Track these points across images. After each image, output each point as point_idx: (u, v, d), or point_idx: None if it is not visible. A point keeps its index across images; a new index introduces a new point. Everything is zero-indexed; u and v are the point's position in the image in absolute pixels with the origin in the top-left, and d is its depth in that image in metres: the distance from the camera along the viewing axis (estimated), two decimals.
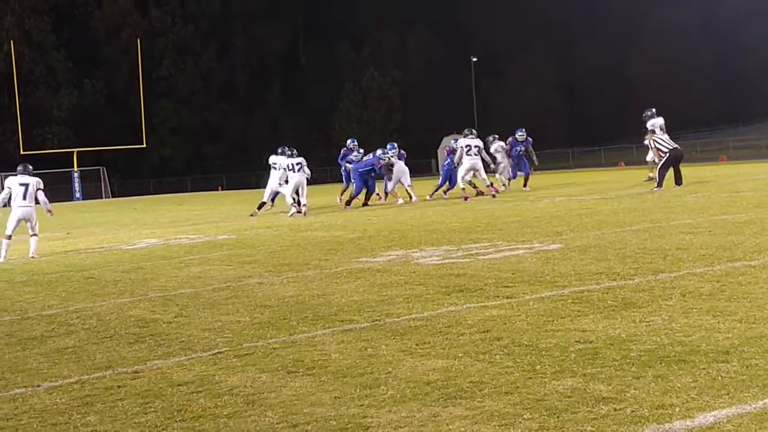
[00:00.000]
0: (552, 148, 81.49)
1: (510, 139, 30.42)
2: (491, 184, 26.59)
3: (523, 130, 30.33)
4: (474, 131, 27.07)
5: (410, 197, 27.84)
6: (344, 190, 29.02)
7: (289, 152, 25.61)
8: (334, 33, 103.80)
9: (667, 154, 23.73)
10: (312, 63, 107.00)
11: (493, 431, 4.46)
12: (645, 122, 26.57)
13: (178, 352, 7.01)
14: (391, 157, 27.33)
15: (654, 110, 26.99)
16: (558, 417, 4.57)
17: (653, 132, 24.91)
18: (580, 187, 27.19)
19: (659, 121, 26.24)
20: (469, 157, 25.90)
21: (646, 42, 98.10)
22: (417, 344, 6.50)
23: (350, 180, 27.80)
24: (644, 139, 26.65)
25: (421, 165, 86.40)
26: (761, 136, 69.19)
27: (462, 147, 26.35)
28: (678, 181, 23.94)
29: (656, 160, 24.45)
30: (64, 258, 16.45)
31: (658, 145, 24.21)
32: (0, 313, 9.97)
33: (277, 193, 26.37)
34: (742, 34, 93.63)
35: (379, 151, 27.41)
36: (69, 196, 72.23)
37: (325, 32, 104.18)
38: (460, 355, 6.06)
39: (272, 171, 26.08)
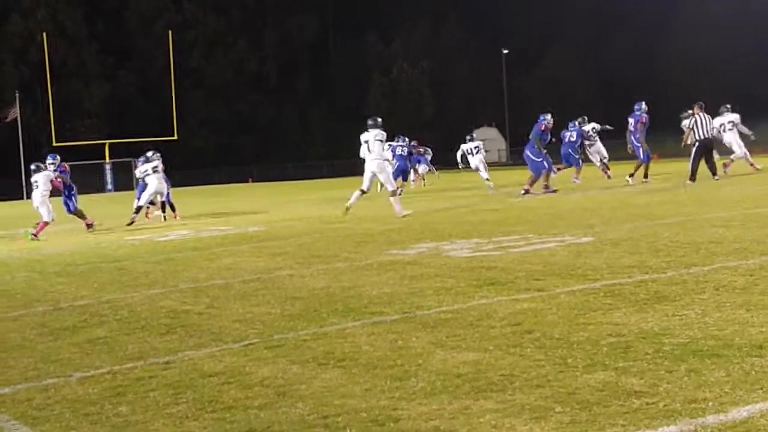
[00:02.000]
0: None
1: (640, 116, 26.01)
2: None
3: (642, 102, 26.42)
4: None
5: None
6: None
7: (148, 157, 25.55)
8: (363, 24, 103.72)
9: (696, 145, 23.28)
10: (342, 54, 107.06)
11: (524, 424, 4.44)
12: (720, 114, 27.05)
13: (209, 343, 7.03)
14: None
15: (729, 106, 27.30)
16: (590, 410, 4.55)
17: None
18: (612, 179, 27.04)
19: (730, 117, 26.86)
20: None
21: (681, 32, 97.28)
22: (447, 337, 6.49)
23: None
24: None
25: (452, 157, 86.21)
26: None
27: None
28: (713, 171, 23.58)
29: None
30: (96, 249, 16.56)
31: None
32: (33, 303, 10.05)
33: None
34: None
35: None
36: (101, 188, 72.70)
37: (354, 23, 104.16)
38: (490, 347, 6.05)
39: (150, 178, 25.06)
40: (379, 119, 19.78)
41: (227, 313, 8.30)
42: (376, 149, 19.10)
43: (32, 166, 22.58)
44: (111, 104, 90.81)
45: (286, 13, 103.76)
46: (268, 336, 7.07)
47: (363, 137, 19.49)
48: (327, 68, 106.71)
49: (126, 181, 75.27)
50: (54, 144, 70.79)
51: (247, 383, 5.67)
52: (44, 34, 75.10)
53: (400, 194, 30.25)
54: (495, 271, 9.40)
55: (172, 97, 74.56)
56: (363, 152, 19.48)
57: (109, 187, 73.92)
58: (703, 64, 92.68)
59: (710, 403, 4.50)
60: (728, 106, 27.34)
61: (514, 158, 49.90)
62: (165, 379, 5.95)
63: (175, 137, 74.61)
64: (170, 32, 77.27)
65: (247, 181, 78.75)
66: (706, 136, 23.37)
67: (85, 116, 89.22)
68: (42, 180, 21.75)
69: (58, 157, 23.74)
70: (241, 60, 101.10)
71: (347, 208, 19.42)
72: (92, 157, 74.92)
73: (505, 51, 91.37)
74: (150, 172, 24.88)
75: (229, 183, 78.02)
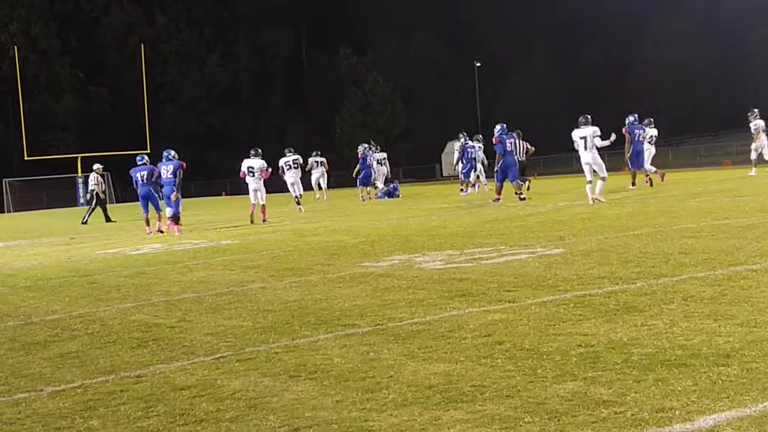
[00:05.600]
0: (555, 153, 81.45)
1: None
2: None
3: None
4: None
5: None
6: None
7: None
8: (336, 38, 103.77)
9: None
10: (315, 68, 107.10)
11: None
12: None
13: (180, 356, 7.03)
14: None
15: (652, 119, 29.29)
16: (559, 420, 4.59)
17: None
18: (583, 191, 27.14)
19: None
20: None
21: (649, 46, 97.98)
22: (419, 348, 6.52)
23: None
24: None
25: (426, 170, 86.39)
26: None
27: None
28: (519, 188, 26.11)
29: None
30: (68, 263, 16.48)
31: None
32: (4, 318, 10.00)
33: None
34: (745, 37, 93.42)
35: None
36: (73, 202, 72.37)
37: (327, 37, 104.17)
38: (461, 359, 6.08)
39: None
40: (589, 116, 21.88)
41: (199, 326, 8.29)
42: (593, 144, 21.33)
43: (252, 151, 26.75)
44: (84, 118, 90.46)
45: (259, 26, 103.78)
46: (239, 349, 7.08)
47: (577, 134, 21.59)
48: (301, 81, 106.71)
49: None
50: (26, 158, 70.50)
51: (218, 396, 5.68)
52: (16, 48, 74.74)
53: (364, 200, 32.64)
54: (467, 283, 9.44)
55: (144, 110, 74.34)
56: (578, 146, 21.71)
57: (82, 200, 73.41)
58: (671, 78, 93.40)
59: (677, 412, 4.55)
60: (652, 119, 28.85)
61: (487, 170, 50.00)
62: (136, 393, 5.95)
63: (148, 150, 74.29)
64: (142, 46, 77.10)
65: (221, 195, 78.52)
66: (520, 159, 27.07)
67: (58, 130, 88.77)
68: (257, 167, 25.66)
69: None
70: (215, 73, 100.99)
71: (594, 200, 21.32)
72: (65, 171, 74.62)
73: (478, 64, 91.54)
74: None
75: (202, 196, 77.74)
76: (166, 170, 22.98)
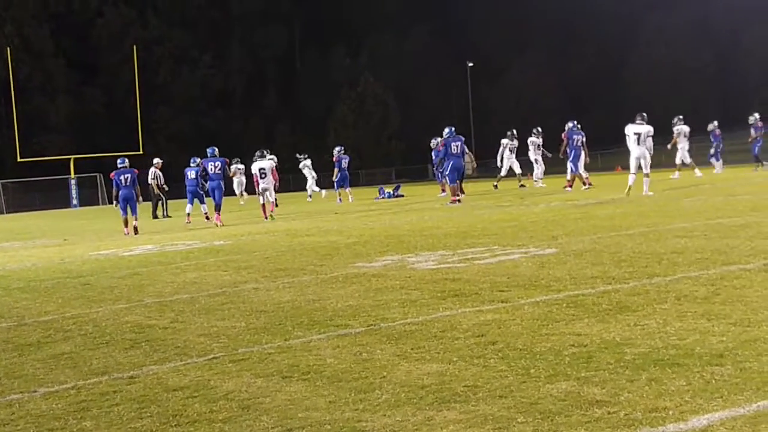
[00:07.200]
0: (549, 152, 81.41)
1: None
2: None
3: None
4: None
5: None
6: None
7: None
8: (329, 38, 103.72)
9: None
10: (308, 68, 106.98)
11: None
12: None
13: (173, 357, 7.02)
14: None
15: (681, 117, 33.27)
16: (552, 420, 4.59)
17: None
18: (575, 191, 27.17)
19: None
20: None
21: (644, 44, 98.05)
22: (412, 349, 6.52)
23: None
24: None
25: (419, 170, 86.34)
26: None
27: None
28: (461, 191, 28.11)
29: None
30: (61, 264, 16.44)
31: None
32: None
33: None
34: (740, 36, 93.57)
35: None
36: (66, 203, 72.24)
37: (320, 37, 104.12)
38: (454, 359, 6.08)
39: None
40: (645, 114, 23.62)
41: (192, 327, 8.29)
42: (647, 141, 23.14)
43: (257, 153, 28.12)
44: (77, 119, 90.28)
45: (252, 27, 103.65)
46: (232, 350, 7.07)
47: (632, 129, 23.28)
48: (293, 82, 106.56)
49: (91, 196, 74.95)
50: (19, 160, 70.32)
51: (211, 397, 5.67)
52: (9, 50, 74.59)
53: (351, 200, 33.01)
54: (459, 283, 9.44)
55: (137, 112, 74.21)
56: (630, 143, 23.32)
57: (75, 202, 73.28)
58: (665, 76, 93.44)
59: (671, 412, 4.55)
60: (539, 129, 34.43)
61: (480, 170, 50.21)
62: (129, 394, 5.94)
63: (141, 152, 74.24)
64: (135, 47, 76.96)
65: None
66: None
67: (51, 131, 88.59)
68: (268, 167, 26.84)
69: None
70: (207, 74, 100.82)
71: (629, 189, 23.21)
72: (58, 172, 74.46)
73: (470, 64, 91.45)
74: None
75: None
76: (213, 167, 25.48)
